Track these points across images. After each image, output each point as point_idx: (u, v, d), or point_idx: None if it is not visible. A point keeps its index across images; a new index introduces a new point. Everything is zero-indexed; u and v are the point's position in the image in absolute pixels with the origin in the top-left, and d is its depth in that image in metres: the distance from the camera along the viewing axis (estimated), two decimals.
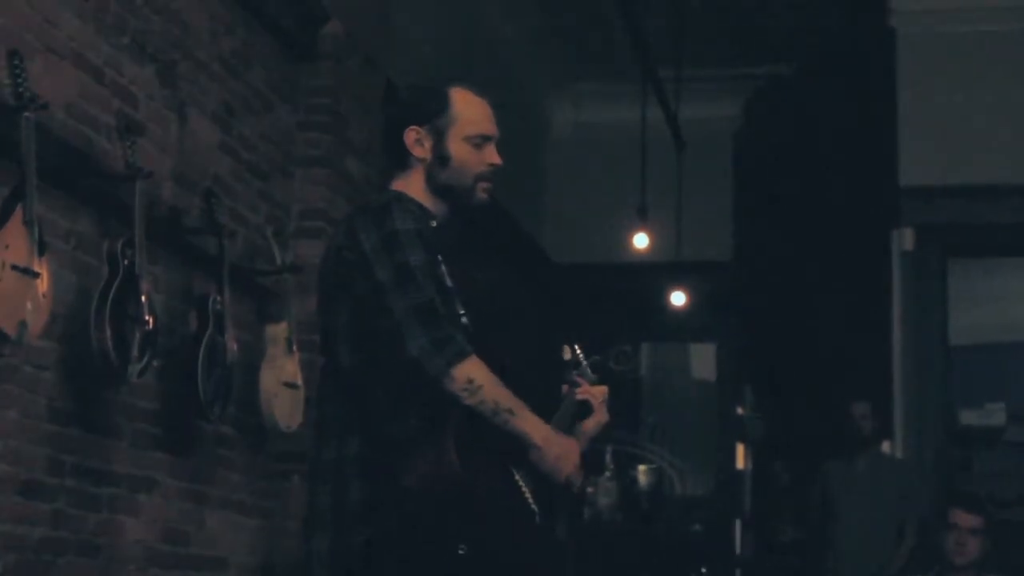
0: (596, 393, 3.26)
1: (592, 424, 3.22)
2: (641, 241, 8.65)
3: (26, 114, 3.76)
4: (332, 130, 5.93)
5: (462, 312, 3.03)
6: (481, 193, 3.18)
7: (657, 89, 8.28)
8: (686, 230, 9.02)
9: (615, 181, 9.43)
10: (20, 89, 3.77)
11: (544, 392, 3.22)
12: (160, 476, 4.83)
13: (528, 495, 3.01)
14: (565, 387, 3.28)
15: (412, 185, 3.16)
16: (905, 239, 7.94)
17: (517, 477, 3.00)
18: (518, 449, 2.98)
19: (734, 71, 9.92)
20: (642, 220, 8.48)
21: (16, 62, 3.80)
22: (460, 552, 2.80)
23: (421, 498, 2.83)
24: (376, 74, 6.36)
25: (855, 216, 8.65)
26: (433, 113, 3.15)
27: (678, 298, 9.43)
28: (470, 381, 2.87)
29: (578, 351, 3.36)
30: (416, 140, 3.15)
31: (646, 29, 7.61)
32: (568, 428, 3.15)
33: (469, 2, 8.65)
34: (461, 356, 2.87)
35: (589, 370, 3.31)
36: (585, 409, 3.25)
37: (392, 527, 2.88)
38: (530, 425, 2.95)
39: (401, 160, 3.19)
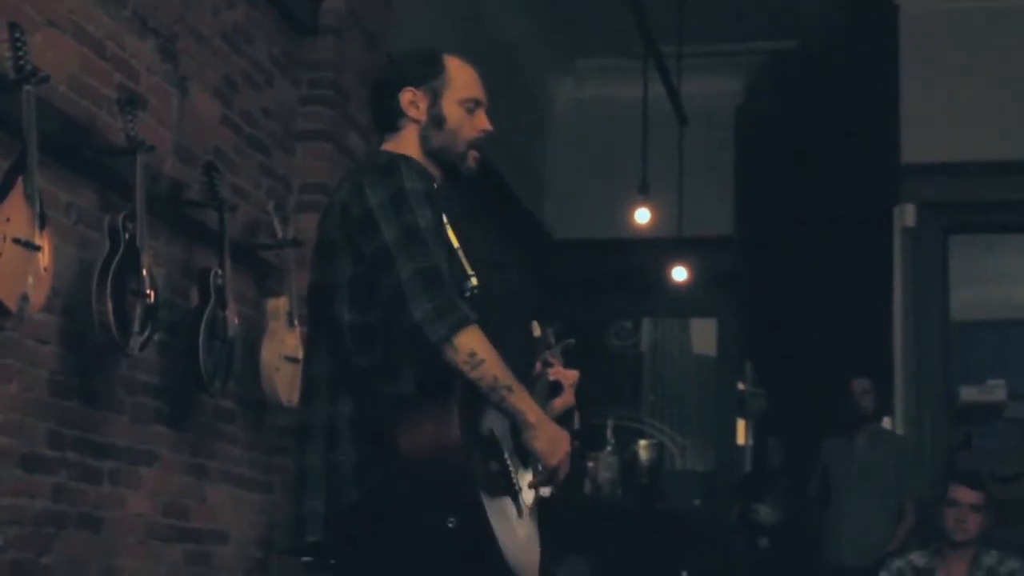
0: (568, 376, 3.30)
1: (560, 404, 3.27)
2: (642, 217, 8.63)
3: (27, 87, 3.75)
4: (333, 104, 5.93)
5: (471, 273, 3.02)
6: (471, 161, 3.18)
7: (659, 65, 8.25)
8: (687, 206, 9.01)
9: (616, 157, 9.42)
10: (21, 62, 3.76)
11: (528, 370, 3.24)
12: (161, 450, 4.84)
13: (514, 475, 2.99)
14: (538, 366, 3.31)
15: (405, 147, 3.12)
16: (907, 216, 7.94)
17: (506, 456, 2.98)
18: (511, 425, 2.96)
19: (736, 47, 9.89)
20: (643, 196, 8.47)
21: (17, 35, 3.79)
22: (449, 525, 2.75)
23: (415, 462, 2.77)
24: (377, 49, 6.35)
25: (856, 192, 8.64)
26: (429, 75, 3.15)
27: (679, 274, 9.42)
28: (472, 354, 2.81)
29: (549, 332, 3.38)
30: (411, 101, 3.14)
31: (648, 4, 7.59)
32: (542, 406, 3.11)
33: None
34: (463, 324, 2.80)
35: (560, 353, 3.34)
36: (556, 389, 3.28)
37: (384, 488, 2.82)
38: (526, 404, 2.91)
39: (392, 122, 3.17)
